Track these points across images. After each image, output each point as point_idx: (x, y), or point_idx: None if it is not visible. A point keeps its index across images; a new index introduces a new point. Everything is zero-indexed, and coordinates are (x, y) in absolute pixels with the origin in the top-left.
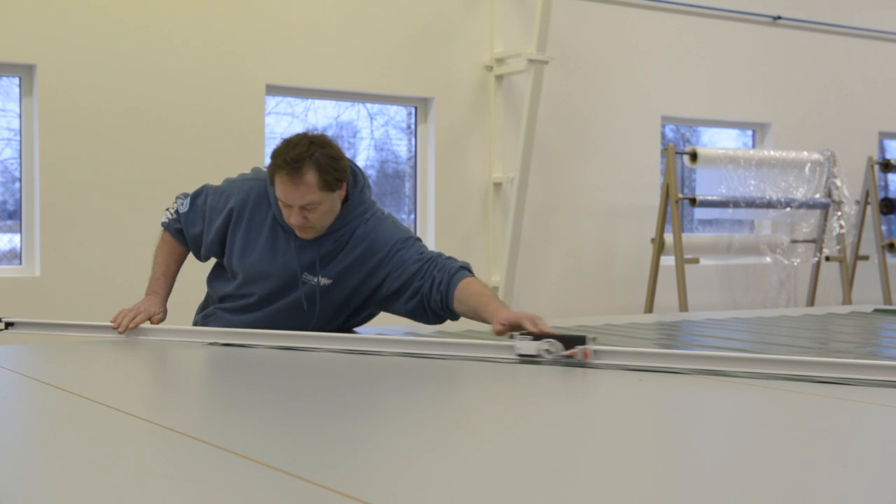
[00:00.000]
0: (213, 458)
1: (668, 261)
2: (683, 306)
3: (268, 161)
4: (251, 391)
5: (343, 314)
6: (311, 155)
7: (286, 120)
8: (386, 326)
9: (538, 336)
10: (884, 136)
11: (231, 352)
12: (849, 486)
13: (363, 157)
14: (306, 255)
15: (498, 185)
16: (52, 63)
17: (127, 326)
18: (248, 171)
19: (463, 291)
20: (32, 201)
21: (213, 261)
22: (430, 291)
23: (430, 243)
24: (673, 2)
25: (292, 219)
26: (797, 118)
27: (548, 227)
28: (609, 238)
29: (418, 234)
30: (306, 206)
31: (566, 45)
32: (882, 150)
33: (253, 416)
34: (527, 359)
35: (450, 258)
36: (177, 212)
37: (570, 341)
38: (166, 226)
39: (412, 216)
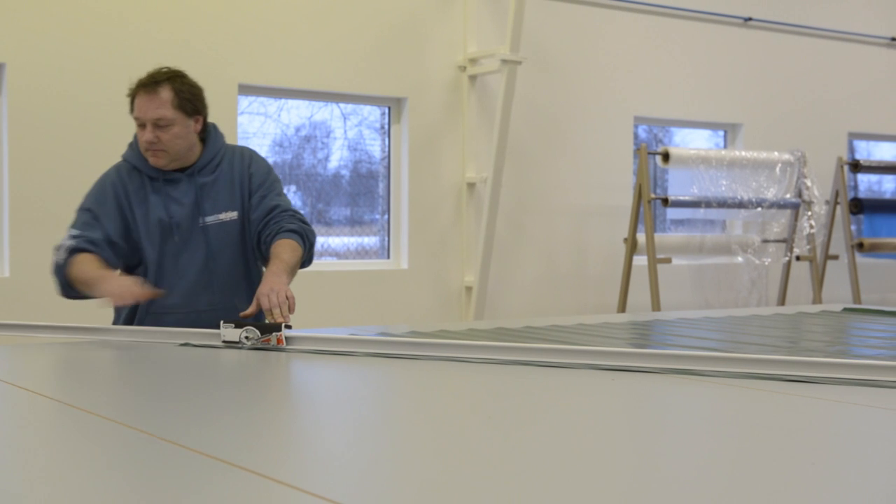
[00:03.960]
0: (181, 458)
1: (640, 260)
2: (656, 306)
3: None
4: (219, 392)
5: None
6: (170, 77)
7: (259, 120)
8: (386, 326)
9: (240, 324)
10: (853, 136)
11: (201, 352)
12: (816, 484)
13: (337, 157)
14: (187, 193)
15: (471, 185)
16: (21, 62)
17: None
18: None
19: (273, 247)
20: (1, 201)
21: None
22: (263, 236)
23: (404, 243)
24: (645, 3)
25: (144, 136)
26: (768, 119)
27: (521, 227)
28: (582, 238)
29: (392, 235)
30: (158, 121)
31: (539, 46)
32: (851, 150)
33: (221, 417)
34: (231, 345)
35: (292, 216)
36: (73, 236)
37: (266, 328)
38: (72, 249)
39: (386, 216)
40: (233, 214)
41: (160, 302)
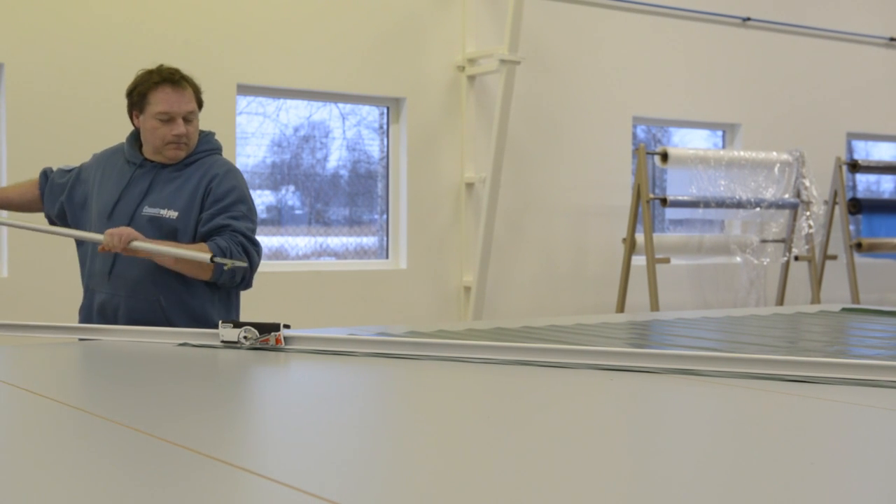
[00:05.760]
0: (179, 458)
1: (639, 260)
2: (654, 306)
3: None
4: (218, 392)
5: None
6: (182, 74)
7: (258, 120)
8: (384, 326)
9: (239, 324)
10: (851, 136)
11: (200, 352)
12: (816, 483)
13: (335, 157)
14: (143, 181)
15: (470, 185)
16: (20, 62)
17: None
18: None
19: None
20: None
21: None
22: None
23: (403, 243)
24: (644, 3)
25: (176, 130)
26: (767, 119)
27: (520, 227)
28: (581, 238)
29: (391, 235)
30: (187, 115)
31: (538, 46)
32: (850, 150)
33: (220, 418)
34: (229, 344)
35: (234, 235)
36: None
37: (264, 328)
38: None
39: (384, 216)
40: (173, 213)
41: (91, 277)
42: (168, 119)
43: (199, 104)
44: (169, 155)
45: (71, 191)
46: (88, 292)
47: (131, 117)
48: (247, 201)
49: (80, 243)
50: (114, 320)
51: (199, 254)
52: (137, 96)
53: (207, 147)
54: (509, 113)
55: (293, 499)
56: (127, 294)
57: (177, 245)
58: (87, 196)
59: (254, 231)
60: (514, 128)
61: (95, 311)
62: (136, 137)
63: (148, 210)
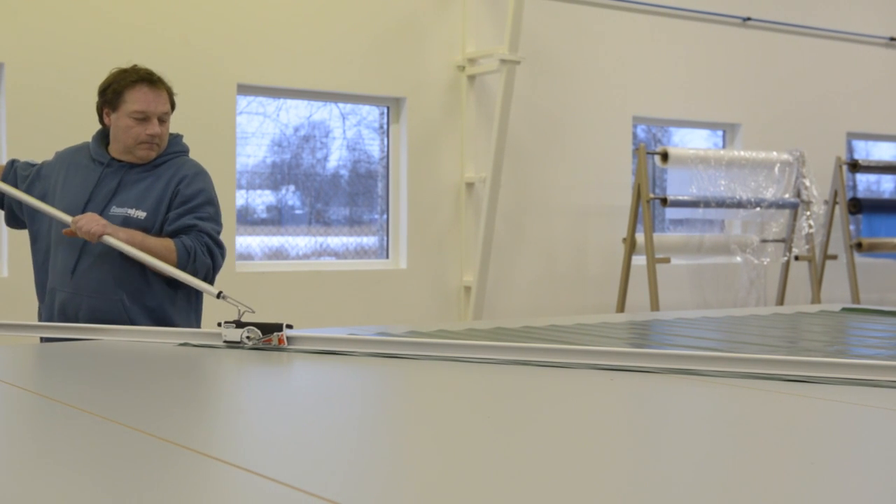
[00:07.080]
0: (180, 458)
1: (639, 260)
2: (655, 306)
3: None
4: (220, 392)
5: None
6: (159, 76)
7: (258, 119)
8: (383, 326)
9: (241, 324)
10: (852, 136)
11: (202, 352)
12: (816, 484)
13: (336, 156)
14: (112, 180)
15: (470, 185)
16: (20, 61)
17: None
18: (220, 171)
19: None
20: None
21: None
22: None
23: (403, 243)
24: (644, 3)
25: (149, 130)
26: (767, 119)
27: (520, 227)
28: (581, 238)
29: (391, 235)
30: (161, 116)
31: (538, 46)
32: (850, 150)
33: (221, 418)
34: (232, 345)
35: (200, 238)
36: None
37: (267, 328)
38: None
39: (384, 216)
40: (141, 214)
41: (54, 276)
42: (143, 118)
43: (172, 106)
44: (140, 154)
45: (30, 185)
46: (49, 293)
47: (101, 115)
48: (214, 204)
49: (35, 242)
50: (75, 320)
51: (193, 278)
52: (112, 94)
53: (176, 149)
54: (509, 113)
55: (293, 499)
56: (89, 294)
57: (145, 239)
58: (46, 193)
59: (219, 233)
60: (514, 128)
61: (56, 312)
62: (102, 136)
63: (116, 210)
